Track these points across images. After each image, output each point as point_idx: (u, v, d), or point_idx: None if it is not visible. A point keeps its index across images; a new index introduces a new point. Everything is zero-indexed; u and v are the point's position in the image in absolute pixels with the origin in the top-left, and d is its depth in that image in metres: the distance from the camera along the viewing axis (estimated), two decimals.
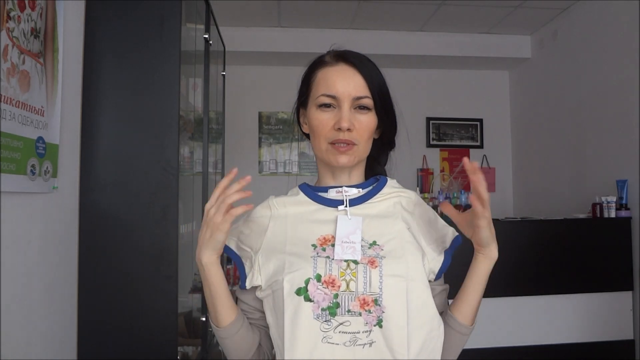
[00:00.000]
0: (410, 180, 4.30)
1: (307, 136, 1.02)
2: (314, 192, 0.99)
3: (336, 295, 0.84)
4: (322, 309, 0.83)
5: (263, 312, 0.95)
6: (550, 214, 3.23)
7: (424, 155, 4.46)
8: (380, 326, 0.83)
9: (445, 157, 4.57)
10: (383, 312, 0.83)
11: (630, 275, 2.90)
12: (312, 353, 0.82)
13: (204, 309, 2.22)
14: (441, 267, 0.94)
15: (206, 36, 2.31)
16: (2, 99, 1.21)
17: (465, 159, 0.83)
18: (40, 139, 1.40)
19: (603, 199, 2.97)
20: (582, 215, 3.09)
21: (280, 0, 3.49)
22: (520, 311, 2.83)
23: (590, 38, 3.40)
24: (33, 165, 1.36)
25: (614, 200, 2.94)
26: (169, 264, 1.69)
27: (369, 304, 0.83)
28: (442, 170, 4.49)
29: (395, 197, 0.97)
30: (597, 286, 2.88)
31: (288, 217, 0.95)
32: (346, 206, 0.94)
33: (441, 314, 0.93)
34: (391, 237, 0.90)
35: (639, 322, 2.88)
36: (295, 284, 0.85)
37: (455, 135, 4.58)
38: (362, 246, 0.88)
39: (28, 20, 1.33)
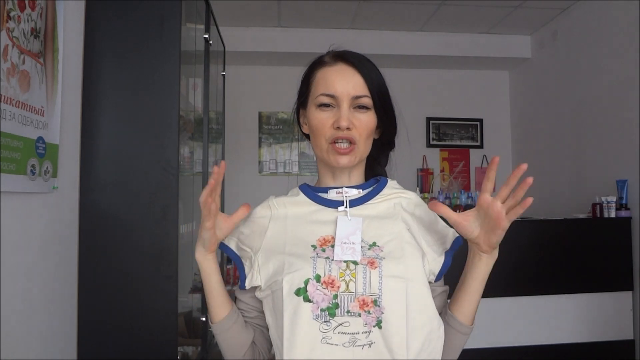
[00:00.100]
0: (410, 180, 4.30)
1: (307, 136, 1.02)
2: (314, 192, 0.99)
3: (335, 296, 0.84)
4: (322, 310, 0.83)
5: (261, 311, 0.95)
6: (550, 214, 3.23)
7: (424, 155, 4.46)
8: (380, 327, 0.83)
9: (445, 157, 4.57)
10: (382, 312, 0.83)
11: (630, 275, 2.90)
12: (311, 353, 0.82)
13: (204, 309, 2.22)
14: (441, 268, 0.94)
15: (206, 36, 2.31)
16: (2, 99, 1.21)
17: (497, 159, 0.82)
18: (40, 139, 1.40)
19: (603, 199, 2.97)
20: (582, 215, 3.09)
21: (280, 0, 3.49)
22: (520, 311, 2.83)
23: (590, 38, 3.40)
24: (33, 165, 1.36)
25: (614, 200, 2.94)
26: (169, 264, 1.69)
27: (368, 305, 0.83)
28: (442, 170, 4.49)
29: (396, 198, 0.97)
30: (597, 286, 2.88)
31: (288, 218, 0.95)
32: (346, 207, 0.94)
33: (440, 314, 0.93)
34: (391, 238, 0.90)
35: (639, 322, 2.88)
36: (294, 285, 0.85)
37: (455, 135, 4.58)
38: (362, 247, 0.88)
39: (28, 20, 1.33)
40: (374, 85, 0.94)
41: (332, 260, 0.87)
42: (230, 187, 3.23)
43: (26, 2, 1.32)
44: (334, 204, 0.95)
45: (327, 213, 0.95)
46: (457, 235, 0.96)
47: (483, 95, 4.60)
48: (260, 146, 4.42)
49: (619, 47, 3.09)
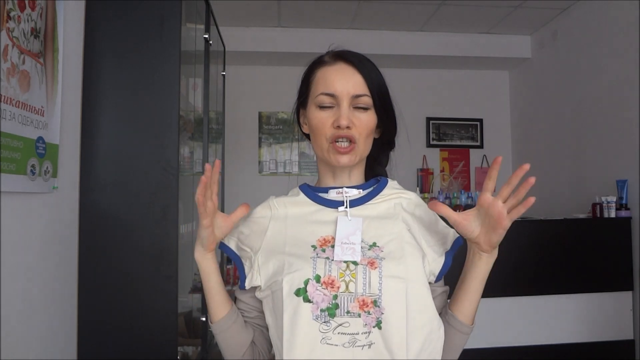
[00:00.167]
0: (410, 180, 4.30)
1: (308, 136, 1.02)
2: (314, 192, 0.99)
3: (335, 297, 0.83)
4: (321, 310, 0.83)
5: (261, 311, 0.95)
6: (550, 214, 3.23)
7: (424, 155, 4.46)
8: (380, 327, 0.82)
9: (445, 157, 4.57)
10: (382, 313, 0.83)
11: (630, 275, 2.90)
12: (311, 354, 0.82)
13: (204, 309, 2.22)
14: (442, 269, 0.93)
15: (206, 36, 2.31)
16: (2, 99, 1.21)
17: (500, 159, 0.82)
18: (40, 139, 1.40)
19: (603, 199, 2.97)
20: (582, 215, 3.09)
21: (280, 0, 3.49)
22: (520, 311, 2.83)
23: (590, 38, 3.40)
24: (33, 165, 1.36)
25: (614, 200, 2.94)
26: (169, 264, 1.69)
27: (368, 305, 0.83)
28: (442, 170, 4.49)
29: (396, 199, 0.97)
30: (597, 286, 2.88)
31: (288, 218, 0.95)
32: (346, 207, 0.94)
33: (440, 314, 0.93)
34: (391, 239, 0.90)
35: (639, 322, 2.88)
36: (294, 285, 0.85)
37: (455, 135, 4.58)
38: (362, 247, 0.88)
39: (28, 20, 1.33)
40: (374, 84, 0.94)
41: (332, 260, 0.86)
42: (230, 187, 3.23)
43: (26, 2, 1.32)
44: (334, 204, 0.95)
45: (327, 213, 0.95)
46: (458, 235, 0.96)
47: (483, 95, 4.60)
48: (260, 146, 4.42)
49: (619, 47, 3.09)
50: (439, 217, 0.98)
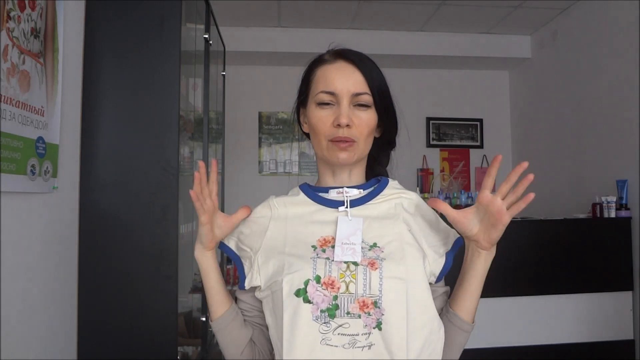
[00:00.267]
0: (410, 180, 4.30)
1: (308, 136, 1.02)
2: (315, 192, 0.98)
3: (335, 297, 0.83)
4: (321, 311, 0.83)
5: (261, 310, 0.95)
6: (550, 214, 3.23)
7: (424, 155, 4.46)
8: (380, 328, 0.82)
9: (445, 157, 4.57)
10: (382, 314, 0.82)
11: (630, 275, 2.90)
12: (311, 355, 0.82)
13: (204, 309, 2.22)
14: (442, 269, 0.93)
15: (206, 36, 2.31)
16: (2, 99, 1.21)
17: (500, 157, 0.83)
18: (40, 139, 1.40)
19: (603, 199, 2.97)
20: (582, 215, 3.09)
21: (280, 0, 3.48)
22: (520, 311, 2.83)
23: (590, 38, 3.40)
24: (33, 165, 1.36)
25: (614, 200, 2.94)
26: (169, 264, 1.69)
27: (368, 306, 0.83)
28: (442, 170, 4.49)
29: (397, 199, 0.96)
30: (597, 286, 2.88)
31: (288, 218, 0.95)
32: (347, 207, 0.94)
33: (440, 314, 0.93)
34: (391, 239, 0.90)
35: (639, 322, 2.88)
36: (294, 285, 0.85)
37: (455, 135, 4.58)
38: (362, 248, 0.88)
39: (28, 20, 1.33)
40: (375, 83, 0.94)
41: (332, 261, 0.86)
42: (230, 187, 3.23)
43: (26, 2, 1.32)
44: (335, 204, 0.95)
45: (328, 213, 0.94)
46: (458, 236, 0.96)
47: (483, 95, 4.60)
48: (260, 146, 4.42)
49: (619, 47, 3.09)
50: (439, 218, 0.98)
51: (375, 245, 0.89)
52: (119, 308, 1.67)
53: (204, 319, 2.21)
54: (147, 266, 1.68)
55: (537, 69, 4.13)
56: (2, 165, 1.21)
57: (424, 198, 0.96)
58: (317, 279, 0.84)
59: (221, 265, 0.93)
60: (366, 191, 0.98)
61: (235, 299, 1.00)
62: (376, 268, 0.85)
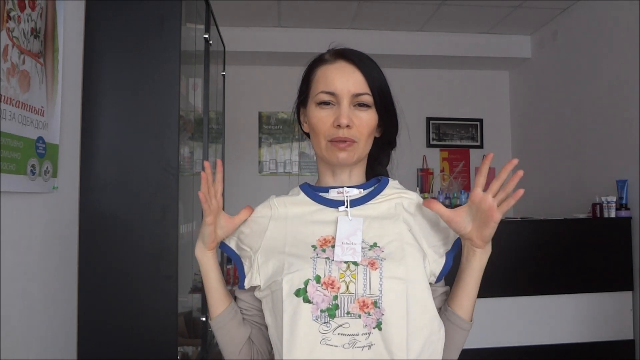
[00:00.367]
0: (410, 180, 4.30)
1: (308, 135, 1.02)
2: (315, 192, 0.98)
3: (335, 297, 0.83)
4: (321, 311, 0.83)
5: (260, 310, 0.95)
6: (550, 214, 3.23)
7: (424, 155, 4.46)
8: (380, 329, 0.82)
9: (445, 157, 4.57)
10: (382, 314, 0.82)
11: (630, 275, 2.90)
12: (311, 355, 0.82)
13: (204, 309, 2.22)
14: (442, 270, 0.93)
15: (206, 36, 2.31)
16: (2, 99, 1.21)
17: (491, 155, 0.86)
18: (40, 139, 1.40)
19: (603, 199, 2.97)
20: (582, 215, 3.09)
21: (280, 0, 3.48)
22: (520, 311, 2.83)
23: (590, 38, 3.39)
24: (33, 165, 1.36)
25: (614, 200, 2.94)
26: (169, 264, 1.69)
27: (368, 306, 0.82)
28: (442, 170, 4.49)
29: (397, 198, 0.96)
30: (597, 286, 2.88)
31: (288, 218, 0.95)
32: (347, 207, 0.93)
33: (439, 313, 0.93)
34: (392, 239, 0.90)
35: (639, 322, 2.88)
36: (294, 285, 0.84)
37: (455, 135, 4.58)
38: (362, 248, 0.87)
39: (28, 20, 1.33)
40: (375, 83, 0.93)
41: (332, 260, 0.86)
42: (230, 187, 3.23)
43: (26, 2, 1.32)
44: (335, 204, 0.95)
45: (328, 213, 0.94)
46: (458, 236, 0.96)
47: (483, 95, 4.60)
48: (260, 146, 4.42)
49: (619, 47, 3.09)
50: (440, 218, 0.98)
51: (375, 245, 0.89)
52: (119, 308, 1.67)
53: (204, 319, 2.21)
54: (147, 266, 1.68)
55: (537, 69, 4.13)
56: (2, 165, 1.21)
57: (424, 198, 0.96)
58: (317, 279, 0.84)
59: (221, 265, 0.93)
60: (366, 191, 0.97)
61: (235, 298, 1.00)
62: (376, 268, 0.85)
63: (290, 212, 0.96)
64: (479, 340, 2.71)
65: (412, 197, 0.97)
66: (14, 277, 1.30)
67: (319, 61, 0.97)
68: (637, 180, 2.90)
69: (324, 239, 0.90)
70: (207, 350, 2.29)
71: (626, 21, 3.01)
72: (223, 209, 0.96)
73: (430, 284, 0.91)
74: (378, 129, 0.98)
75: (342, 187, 0.97)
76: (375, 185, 0.99)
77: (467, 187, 4.44)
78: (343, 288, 0.84)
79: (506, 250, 2.71)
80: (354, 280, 0.84)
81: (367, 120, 0.93)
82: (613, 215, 2.93)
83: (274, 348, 0.91)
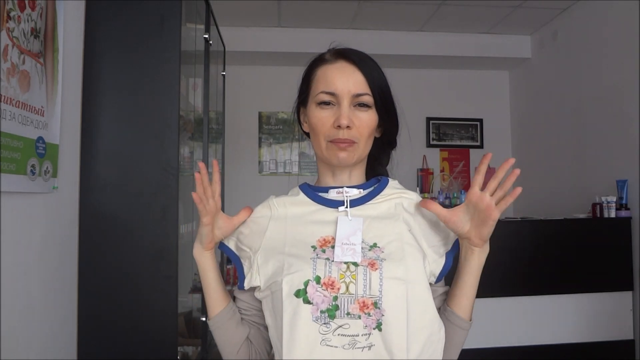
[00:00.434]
0: (410, 180, 4.29)
1: (308, 135, 1.02)
2: (315, 192, 0.98)
3: (335, 298, 0.83)
4: (321, 312, 0.82)
5: (259, 310, 0.95)
6: (550, 214, 3.23)
7: (424, 155, 4.45)
8: (380, 329, 0.82)
9: (445, 157, 4.57)
10: (383, 315, 0.82)
11: (630, 275, 2.90)
12: (311, 355, 0.82)
13: (204, 309, 2.21)
14: (442, 270, 0.93)
15: (206, 36, 2.31)
16: (2, 99, 1.21)
17: (489, 155, 0.87)
18: (40, 139, 1.40)
19: (603, 199, 2.97)
20: (582, 215, 3.09)
21: (280, 0, 3.48)
22: (520, 311, 2.83)
23: (590, 38, 3.39)
24: (33, 165, 1.36)
25: (614, 200, 2.94)
26: (169, 264, 1.69)
27: (368, 307, 0.82)
28: (442, 170, 4.49)
29: (397, 199, 0.96)
30: (597, 286, 2.88)
31: (288, 218, 0.95)
32: (347, 207, 0.93)
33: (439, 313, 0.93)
34: (392, 239, 0.90)
35: (639, 322, 2.88)
36: (294, 286, 0.84)
37: (455, 135, 4.58)
38: (362, 248, 0.87)
39: (28, 20, 1.33)
40: (375, 83, 0.93)
41: (332, 261, 0.86)
42: (230, 187, 3.23)
43: (26, 2, 1.32)
44: (335, 204, 0.95)
45: (328, 213, 0.94)
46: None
47: (483, 95, 4.60)
48: (260, 146, 4.42)
49: (619, 47, 3.09)
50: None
51: (375, 245, 0.89)
52: (119, 308, 1.67)
53: (203, 319, 2.21)
54: (147, 266, 1.68)
55: (537, 69, 4.13)
56: (2, 165, 1.21)
57: (423, 198, 0.96)
58: (317, 280, 0.84)
59: (221, 265, 0.93)
60: (366, 191, 0.97)
61: (234, 298, 1.00)
62: (376, 268, 0.84)
63: (289, 212, 0.96)
64: (479, 340, 2.71)
65: (412, 197, 0.97)
66: (14, 277, 1.30)
67: (319, 61, 0.97)
68: (637, 180, 2.90)
69: (324, 240, 0.90)
70: (207, 350, 2.29)
71: (626, 21, 3.01)
72: (222, 209, 0.96)
73: (430, 284, 0.91)
74: (378, 129, 0.98)
75: (342, 187, 0.96)
76: (375, 185, 0.98)
77: (467, 187, 4.44)
78: (343, 289, 0.84)
79: (506, 250, 2.71)
80: (354, 281, 0.84)
81: (367, 120, 0.92)
82: (613, 215, 2.93)
83: (274, 348, 0.91)
